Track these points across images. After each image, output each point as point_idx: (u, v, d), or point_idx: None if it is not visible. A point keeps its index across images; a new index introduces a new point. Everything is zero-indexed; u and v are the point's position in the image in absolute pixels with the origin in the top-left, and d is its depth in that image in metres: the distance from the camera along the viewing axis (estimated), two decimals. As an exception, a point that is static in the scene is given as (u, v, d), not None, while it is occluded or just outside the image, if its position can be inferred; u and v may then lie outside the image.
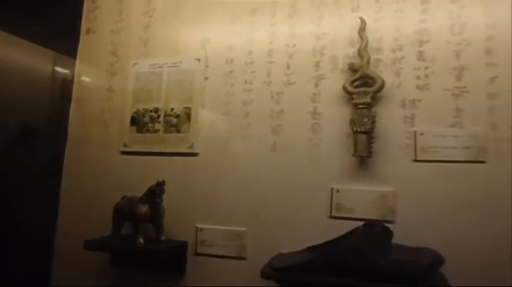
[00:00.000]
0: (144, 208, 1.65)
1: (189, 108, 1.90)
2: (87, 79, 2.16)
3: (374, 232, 1.40)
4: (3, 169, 2.59)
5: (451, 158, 1.52)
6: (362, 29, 1.69)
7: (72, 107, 2.15)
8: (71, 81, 2.23)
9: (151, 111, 1.95)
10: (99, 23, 2.21)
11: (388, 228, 1.42)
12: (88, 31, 2.22)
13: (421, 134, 1.56)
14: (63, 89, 2.94)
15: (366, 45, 1.66)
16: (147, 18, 2.10)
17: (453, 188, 1.51)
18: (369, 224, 1.44)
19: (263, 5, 1.89)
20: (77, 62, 2.21)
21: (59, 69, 3.19)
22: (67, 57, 2.59)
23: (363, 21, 1.70)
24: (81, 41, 2.22)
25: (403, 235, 1.45)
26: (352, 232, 1.44)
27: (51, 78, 3.16)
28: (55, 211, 2.02)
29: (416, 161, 1.56)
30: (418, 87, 1.62)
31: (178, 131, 1.89)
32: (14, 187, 2.60)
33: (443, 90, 1.58)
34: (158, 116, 1.94)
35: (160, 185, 1.66)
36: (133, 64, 2.05)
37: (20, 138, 2.79)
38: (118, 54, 2.12)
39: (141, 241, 1.64)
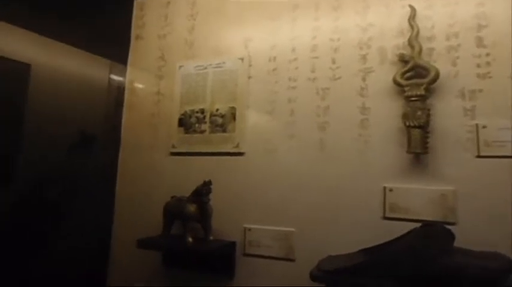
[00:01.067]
0: (192, 208, 1.61)
1: (234, 108, 1.83)
2: (137, 84, 2.17)
3: (433, 233, 1.25)
4: (64, 176, 2.69)
5: (520, 153, 1.32)
6: (412, 17, 1.53)
7: (124, 112, 2.17)
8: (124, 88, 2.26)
9: (197, 112, 1.91)
10: (147, 29, 2.21)
11: (449, 229, 1.26)
12: (137, 37, 2.23)
13: (484, 127, 1.38)
14: (118, 96, 3.01)
15: (417, 34, 1.51)
16: (191, 22, 2.07)
17: (522, 186, 1.31)
18: (428, 224, 1.29)
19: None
20: (128, 68, 2.23)
21: (114, 77, 3.26)
22: (120, 64, 2.62)
23: (412, 8, 1.54)
24: (131, 48, 2.24)
25: (466, 238, 1.28)
26: (410, 232, 1.30)
27: (107, 86, 3.24)
28: (111, 215, 2.04)
29: (479, 156, 1.38)
30: (478, 76, 1.43)
31: (224, 131, 1.83)
32: (73, 193, 2.68)
33: (507, 78, 1.39)
34: (204, 117, 1.89)
35: (206, 185, 1.60)
36: (180, 67, 2.02)
37: (78, 146, 2.88)
38: (165, 58, 2.10)
39: (190, 240, 1.60)
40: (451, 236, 1.23)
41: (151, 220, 1.83)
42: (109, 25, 2.53)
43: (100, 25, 2.68)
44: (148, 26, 2.21)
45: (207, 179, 1.62)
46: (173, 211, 1.68)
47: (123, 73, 2.43)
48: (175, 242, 1.63)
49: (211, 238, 1.66)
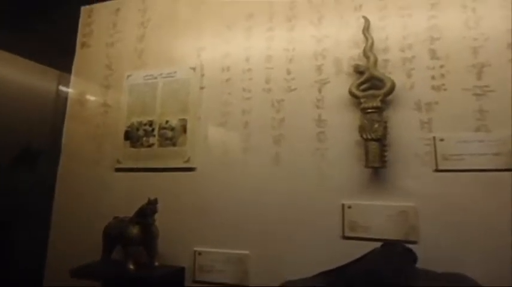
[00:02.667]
0: (134, 230, 1.38)
1: (184, 120, 1.63)
2: (81, 94, 1.91)
3: (394, 254, 1.11)
4: (4, 192, 2.33)
5: (479, 166, 1.22)
6: (366, 28, 1.44)
7: (66, 123, 1.90)
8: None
9: (145, 124, 1.69)
10: (94, 36, 1.97)
11: (410, 249, 1.12)
12: (83, 45, 1.98)
13: (441, 140, 1.27)
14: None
15: (372, 46, 1.41)
16: (141, 30, 1.86)
17: (484, 201, 1.20)
18: (388, 244, 1.15)
19: (259, 8, 1.64)
20: (72, 77, 1.96)
21: (63, 88, 2.95)
22: (67, 74, 2.34)
23: (366, 20, 1.45)
24: (76, 56, 1.98)
25: (428, 257, 1.15)
26: (370, 253, 1.15)
27: (55, 97, 2.92)
28: (47, 237, 1.74)
29: (437, 170, 1.27)
30: (433, 88, 1.34)
31: (174, 145, 1.62)
32: (14, 210, 2.32)
33: (462, 90, 1.30)
34: (153, 129, 1.67)
35: (151, 203, 1.38)
36: (128, 76, 1.79)
37: (22, 160, 2.53)
38: (112, 67, 1.87)
39: (131, 267, 1.36)
40: (412, 257, 1.09)
41: (92, 243, 1.55)
42: (56, 33, 2.26)
43: (46, 33, 2.40)
44: (96, 33, 1.97)
45: (152, 198, 1.39)
46: (114, 234, 1.43)
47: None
48: (116, 270, 1.38)
49: (156, 263, 1.42)
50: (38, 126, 2.74)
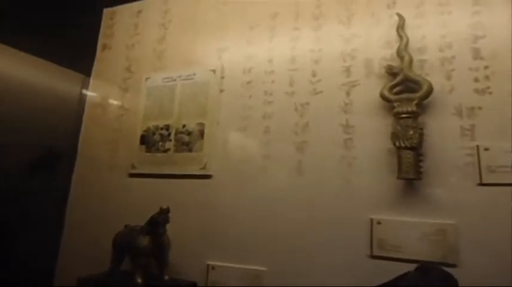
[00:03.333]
0: (144, 240, 1.31)
1: (202, 124, 1.56)
2: (99, 97, 1.89)
3: (431, 279, 0.97)
4: (23, 195, 2.34)
5: (530, 179, 1.07)
6: (400, 26, 1.33)
7: (83, 127, 1.88)
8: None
9: (162, 128, 1.64)
10: (115, 38, 1.96)
11: (449, 274, 0.98)
12: (104, 47, 1.98)
13: (486, 149, 1.14)
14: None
15: (407, 45, 1.29)
16: (162, 31, 1.83)
17: (537, 221, 1.05)
18: (424, 267, 1.01)
19: (285, 7, 1.56)
20: (91, 79, 1.96)
21: (86, 91, 2.99)
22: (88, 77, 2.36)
23: (401, 17, 1.34)
24: (96, 58, 1.98)
25: (469, 283, 1.01)
26: (401, 277, 1.02)
27: (78, 101, 2.95)
28: (58, 245, 1.72)
29: (482, 184, 1.13)
30: (476, 91, 1.20)
31: (190, 150, 1.55)
32: (29, 214, 2.33)
33: (510, 93, 1.16)
34: (169, 134, 1.62)
35: (163, 213, 1.31)
36: (146, 79, 1.76)
37: (42, 163, 2.56)
38: (132, 70, 1.84)
39: (139, 280, 1.29)
40: (453, 284, 0.95)
41: (104, 251, 1.49)
42: (80, 36, 2.28)
43: (71, 36, 2.43)
44: (117, 35, 1.96)
45: (164, 206, 1.32)
46: (124, 243, 1.38)
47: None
48: (123, 282, 1.31)
49: (166, 277, 1.35)
50: (60, 131, 2.76)
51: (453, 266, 1.08)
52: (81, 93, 2.96)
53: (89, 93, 1.94)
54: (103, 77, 1.92)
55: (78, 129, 1.95)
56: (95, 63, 1.97)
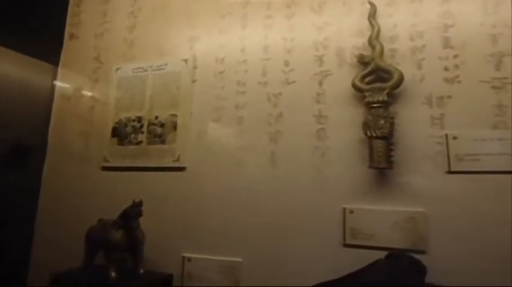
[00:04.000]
0: (117, 234, 1.29)
1: (175, 116, 1.54)
2: (68, 88, 1.83)
3: (400, 266, 1.00)
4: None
5: (497, 167, 1.11)
6: (372, 14, 1.33)
7: (53, 119, 1.82)
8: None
9: (134, 120, 1.60)
10: (83, 27, 1.89)
11: (419, 261, 1.02)
12: (71, 36, 1.91)
13: (455, 138, 1.16)
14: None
15: (378, 34, 1.30)
16: (132, 19, 1.77)
17: (501, 207, 1.09)
18: (394, 255, 1.05)
19: (257, -5, 1.54)
20: (59, 70, 1.89)
21: (58, 83, 2.89)
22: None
23: (372, 5, 1.34)
24: (64, 48, 1.91)
25: (438, 269, 1.05)
26: (372, 265, 1.06)
27: (49, 92, 2.86)
28: (30, 240, 1.68)
29: (450, 172, 1.16)
30: (446, 80, 1.22)
31: (163, 142, 1.53)
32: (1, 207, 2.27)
33: (479, 82, 1.19)
34: (141, 126, 1.59)
35: (136, 206, 1.29)
36: (117, 69, 1.71)
37: (12, 157, 2.48)
38: (101, 59, 1.79)
39: (113, 274, 1.28)
40: (421, 270, 0.99)
41: (77, 246, 1.46)
42: (46, 25, 2.19)
43: (36, 26, 2.33)
44: (85, 24, 1.89)
45: (137, 200, 1.31)
46: (97, 238, 1.36)
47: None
48: (96, 277, 1.30)
49: (141, 270, 1.34)
50: (30, 123, 2.68)
51: (422, 252, 1.12)
52: (52, 85, 2.87)
53: (58, 84, 1.88)
54: (72, 67, 1.85)
55: (49, 121, 1.90)
56: (63, 53, 1.90)
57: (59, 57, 1.92)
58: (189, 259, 1.40)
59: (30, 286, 1.65)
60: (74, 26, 1.92)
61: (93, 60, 1.81)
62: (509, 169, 1.09)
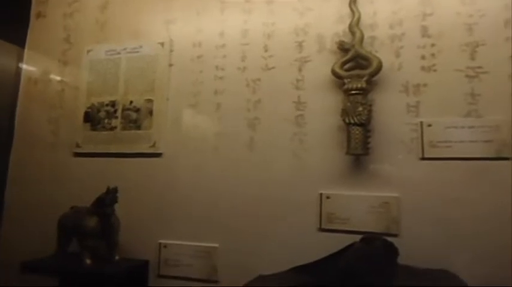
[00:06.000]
0: (91, 222, 1.30)
1: (151, 101, 1.54)
2: (35, 71, 1.79)
3: (374, 249, 1.06)
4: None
5: (468, 154, 1.18)
6: (353, 1, 1.36)
7: (20, 103, 1.78)
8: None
9: (107, 105, 1.59)
10: (51, 5, 1.83)
11: (391, 243, 1.08)
12: (38, 15, 1.85)
13: (429, 125, 1.22)
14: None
15: (358, 21, 1.33)
16: (104, -1, 1.74)
17: (473, 192, 1.16)
18: (368, 238, 1.11)
19: (236, -23, 1.54)
20: (26, 51, 1.84)
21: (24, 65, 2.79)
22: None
23: (353, -8, 1.36)
24: (30, 28, 1.85)
25: (409, 252, 1.11)
26: (347, 248, 1.11)
27: (14, 75, 2.75)
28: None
29: (424, 158, 1.22)
30: (423, 68, 1.28)
31: (139, 128, 1.53)
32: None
33: (454, 71, 1.25)
34: (115, 111, 1.58)
35: (111, 193, 1.30)
36: (88, 51, 1.68)
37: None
38: (71, 41, 1.75)
39: (88, 261, 1.29)
40: (393, 252, 1.05)
41: (48, 235, 1.46)
42: (11, 3, 2.10)
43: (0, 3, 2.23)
44: (53, 2, 1.83)
45: (111, 186, 1.31)
46: (70, 225, 1.36)
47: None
48: (71, 264, 1.30)
49: (117, 257, 1.35)
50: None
51: (395, 235, 1.18)
52: (17, 67, 2.76)
53: (24, 67, 1.83)
54: (39, 48, 1.80)
55: (15, 106, 1.85)
56: (29, 33, 1.84)
57: (24, 38, 1.87)
58: (165, 246, 1.42)
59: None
60: (40, 4, 1.86)
61: (62, 41, 1.76)
62: (480, 155, 1.16)
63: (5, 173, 1.74)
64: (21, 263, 1.32)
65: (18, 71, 2.64)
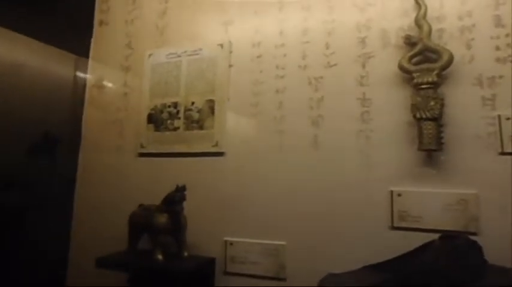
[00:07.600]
0: (162, 218, 1.34)
1: (212, 101, 1.57)
2: (100, 76, 1.88)
3: (456, 247, 1.02)
4: (23, 181, 2.33)
5: (553, 147, 1.12)
6: (418, -6, 1.32)
7: (86, 108, 1.88)
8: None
9: (169, 106, 1.64)
10: (112, 13, 1.92)
11: (474, 241, 1.03)
12: (101, 23, 1.95)
13: (508, 119, 1.17)
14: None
15: (425, 13, 1.30)
16: (163, 4, 1.80)
17: (559, 188, 1.10)
18: (448, 236, 1.06)
19: (295, -24, 1.55)
20: (90, 58, 1.93)
21: (80, 73, 2.94)
22: (85, 58, 2.30)
23: (418, -15, 1.33)
24: (94, 35, 1.95)
25: (489, 251, 1.04)
26: (425, 247, 1.08)
27: (72, 83, 2.91)
28: (69, 228, 1.75)
29: (503, 153, 1.17)
30: (498, 60, 1.22)
31: (201, 128, 1.57)
32: (30, 201, 2.33)
33: (532, 61, 1.19)
34: (178, 112, 1.62)
35: (180, 191, 1.34)
36: (149, 55, 1.74)
37: (39, 149, 2.54)
38: (132, 46, 1.82)
39: (160, 257, 1.33)
40: (478, 250, 1.00)
41: (116, 233, 1.53)
42: (72, 13, 2.22)
43: (62, 13, 2.36)
44: (114, 10, 1.93)
45: (180, 184, 1.35)
46: (140, 223, 1.41)
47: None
48: (143, 260, 1.35)
49: (185, 253, 1.39)
50: (55, 115, 2.72)
51: (474, 234, 1.13)
52: (75, 75, 2.91)
53: (89, 74, 1.92)
54: (102, 54, 1.89)
55: (77, 112, 1.95)
56: (93, 40, 1.94)
57: (88, 45, 1.97)
58: (231, 243, 1.44)
59: (70, 278, 1.73)
60: (102, 13, 1.96)
61: (124, 47, 1.84)
62: None
63: (74, 176, 1.83)
64: (97, 259, 1.38)
65: (78, 79, 2.79)
